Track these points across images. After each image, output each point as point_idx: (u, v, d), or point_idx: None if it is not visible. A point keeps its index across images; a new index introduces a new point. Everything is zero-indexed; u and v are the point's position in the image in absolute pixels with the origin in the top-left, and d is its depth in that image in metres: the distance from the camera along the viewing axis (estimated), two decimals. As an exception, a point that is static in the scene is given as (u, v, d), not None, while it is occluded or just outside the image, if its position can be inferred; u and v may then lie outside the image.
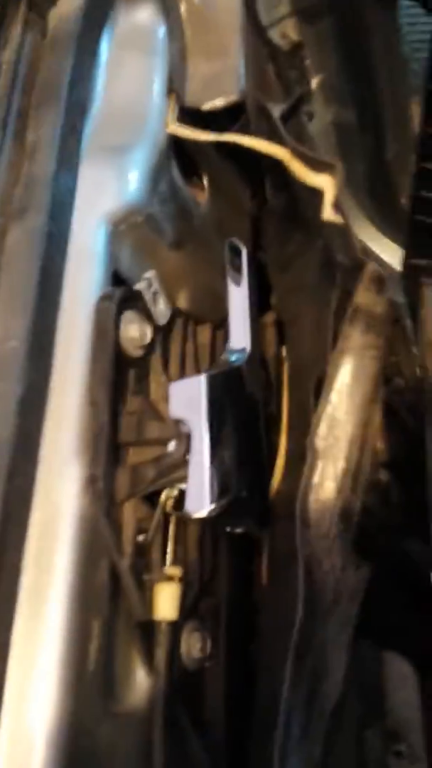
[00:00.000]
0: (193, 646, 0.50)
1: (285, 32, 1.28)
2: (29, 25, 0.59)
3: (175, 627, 0.49)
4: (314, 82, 1.40)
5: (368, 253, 0.65)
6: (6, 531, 0.40)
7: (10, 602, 0.40)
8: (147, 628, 0.47)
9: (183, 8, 0.69)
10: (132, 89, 0.62)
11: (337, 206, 0.56)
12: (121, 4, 0.65)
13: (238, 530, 0.52)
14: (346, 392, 0.53)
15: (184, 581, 0.50)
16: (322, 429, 0.51)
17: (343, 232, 0.56)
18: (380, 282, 0.57)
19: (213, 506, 0.45)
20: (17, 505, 0.41)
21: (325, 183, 0.58)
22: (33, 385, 0.44)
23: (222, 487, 0.46)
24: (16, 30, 0.58)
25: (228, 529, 0.53)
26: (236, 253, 0.58)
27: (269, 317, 0.76)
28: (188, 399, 0.48)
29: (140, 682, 0.47)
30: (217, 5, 0.70)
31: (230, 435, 0.49)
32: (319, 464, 0.51)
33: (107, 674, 0.45)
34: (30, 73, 0.57)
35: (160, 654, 0.47)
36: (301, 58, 1.30)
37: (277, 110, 0.70)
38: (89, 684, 0.42)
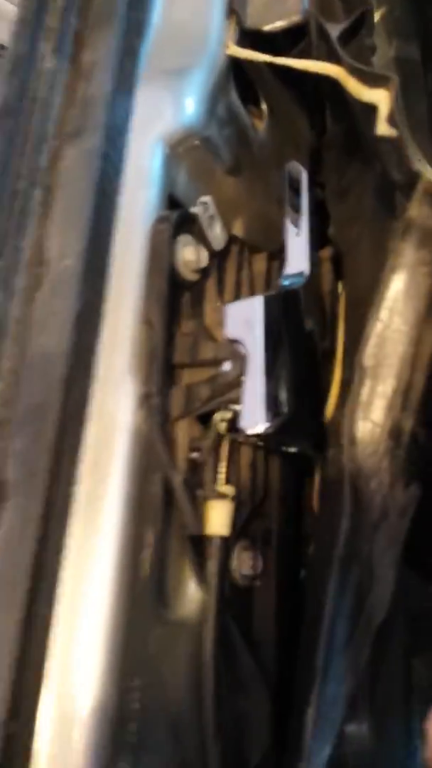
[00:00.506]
0: (243, 563, 0.52)
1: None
2: None
3: (227, 543, 0.50)
4: (377, 15, 1.34)
5: (424, 168, 0.62)
6: (62, 441, 0.42)
7: (66, 509, 0.42)
8: (200, 543, 0.49)
9: None
10: (191, 10, 0.61)
11: (392, 119, 0.54)
12: None
13: (292, 450, 0.52)
14: (398, 310, 0.51)
15: (236, 500, 0.51)
16: (371, 347, 0.50)
17: (398, 147, 0.54)
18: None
19: (268, 424, 0.45)
20: (73, 416, 0.43)
21: (380, 97, 0.56)
22: (88, 302, 0.45)
23: (277, 406, 0.46)
24: None
25: (282, 449, 0.53)
26: (295, 176, 0.56)
27: (325, 253, 0.75)
28: (245, 319, 0.48)
29: (192, 594, 0.48)
30: None
31: (286, 357, 0.49)
32: (367, 382, 0.50)
33: (160, 582, 0.46)
34: (87, -6, 0.56)
35: (212, 567, 0.48)
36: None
37: (335, 30, 0.68)
38: (142, 589, 0.43)
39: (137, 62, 0.54)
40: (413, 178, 0.51)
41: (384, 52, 1.52)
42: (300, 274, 0.54)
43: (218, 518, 0.49)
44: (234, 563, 0.51)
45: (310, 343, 0.55)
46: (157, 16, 0.59)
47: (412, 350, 0.48)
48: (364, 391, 0.48)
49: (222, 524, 0.49)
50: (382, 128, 0.52)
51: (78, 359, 0.44)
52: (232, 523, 0.50)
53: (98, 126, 0.49)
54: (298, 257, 0.55)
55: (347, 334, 0.63)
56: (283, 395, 0.47)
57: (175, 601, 0.47)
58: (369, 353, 0.48)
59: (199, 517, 0.48)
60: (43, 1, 0.54)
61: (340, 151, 0.72)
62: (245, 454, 0.53)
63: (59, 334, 0.44)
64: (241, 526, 0.51)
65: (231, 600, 0.50)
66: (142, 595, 0.43)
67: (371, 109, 0.55)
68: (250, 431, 0.45)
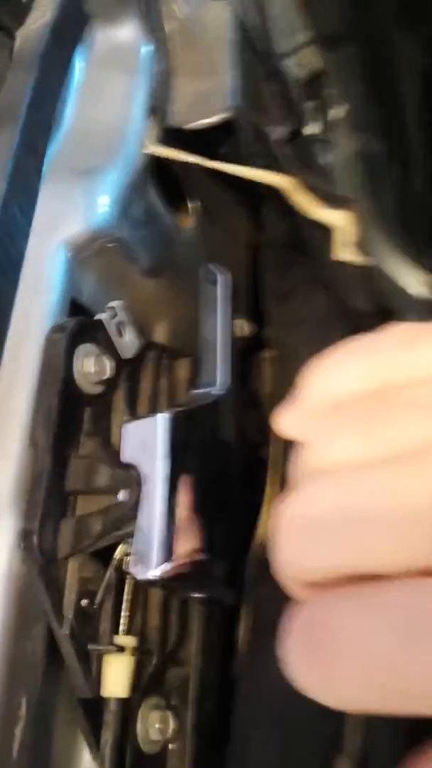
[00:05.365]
0: (151, 726, 0.44)
1: (304, 61, 1.25)
2: (-4, 47, 0.56)
3: (128, 705, 0.42)
4: (338, 112, 1.36)
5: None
6: None
7: None
8: (94, 706, 0.41)
9: (169, 27, 0.65)
10: (108, 110, 0.58)
11: (362, 246, 0.49)
12: (98, 21, 0.62)
13: (199, 595, 0.45)
14: None
15: (141, 652, 0.44)
16: None
17: (369, 275, 0.49)
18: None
19: (163, 569, 0.38)
20: None
21: (339, 218, 0.51)
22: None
23: (177, 546, 0.40)
24: (-17, 53, 0.55)
25: (189, 595, 0.46)
26: (212, 279, 0.52)
27: (266, 353, 0.71)
28: (142, 442, 0.42)
29: (84, 770, 0.40)
30: (206, 23, 0.66)
31: (193, 485, 0.42)
32: None
33: (40, 760, 0.39)
34: (-7, 96, 0.53)
35: (107, 736, 0.41)
36: (320, 87, 1.26)
37: (276, 132, 0.65)
38: (10, 776, 0.36)
39: (41, 162, 0.51)
40: (388, 306, 0.47)
41: (345, 147, 1.54)
42: (215, 384, 0.49)
43: (115, 676, 0.41)
44: (139, 727, 0.43)
45: (229, 461, 0.49)
46: (69, 115, 0.56)
47: None
48: None
49: (120, 684, 0.41)
50: (343, 253, 0.48)
51: None
52: (135, 680, 0.42)
53: (-12, 231, 0.45)
54: (213, 365, 0.50)
55: (280, 442, 0.58)
56: (186, 532, 0.40)
57: (60, 782, 0.40)
58: None
59: (93, 676, 0.41)
60: None
61: (280, 251, 0.69)
62: (154, 595, 0.46)
63: None
64: (148, 682, 0.44)
65: (134, 773, 0.42)
66: (12, 782, 0.36)
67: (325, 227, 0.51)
68: (140, 577, 0.38)
